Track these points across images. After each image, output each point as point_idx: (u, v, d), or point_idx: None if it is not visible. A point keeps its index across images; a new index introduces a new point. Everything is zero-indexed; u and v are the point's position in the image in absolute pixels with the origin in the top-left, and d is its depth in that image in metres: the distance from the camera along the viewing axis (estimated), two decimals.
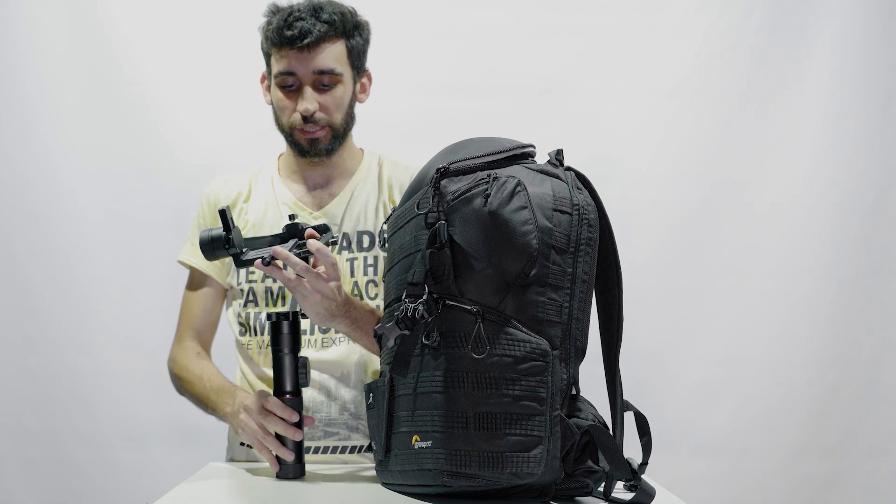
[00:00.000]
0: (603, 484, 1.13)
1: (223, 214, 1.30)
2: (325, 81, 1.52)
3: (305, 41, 1.48)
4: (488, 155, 1.11)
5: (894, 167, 2.49)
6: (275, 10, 1.55)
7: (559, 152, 1.14)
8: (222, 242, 1.30)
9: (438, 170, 1.10)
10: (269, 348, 1.53)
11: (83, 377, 2.38)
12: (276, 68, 1.53)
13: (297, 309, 1.34)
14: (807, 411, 2.45)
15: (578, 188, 1.10)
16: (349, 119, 1.59)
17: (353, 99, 1.59)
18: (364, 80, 1.62)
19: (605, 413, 1.13)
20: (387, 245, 1.25)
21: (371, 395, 1.23)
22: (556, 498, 1.10)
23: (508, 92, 2.46)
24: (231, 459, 1.63)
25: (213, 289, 1.63)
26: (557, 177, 1.10)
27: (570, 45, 2.48)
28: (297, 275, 1.27)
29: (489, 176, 1.08)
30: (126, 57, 2.40)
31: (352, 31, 1.55)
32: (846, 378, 2.46)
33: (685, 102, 2.48)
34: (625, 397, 1.14)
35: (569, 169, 1.12)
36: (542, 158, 1.16)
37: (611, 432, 1.12)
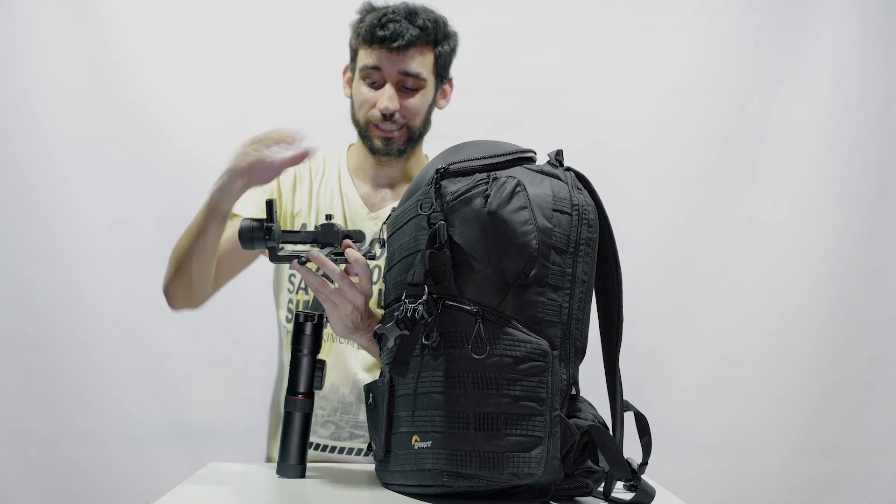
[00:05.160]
0: (603, 484, 1.13)
1: (269, 205, 1.30)
2: (408, 84, 1.53)
3: (396, 43, 1.49)
4: (488, 157, 1.11)
5: (894, 167, 2.49)
6: (369, 9, 1.55)
7: (559, 153, 1.14)
8: (263, 233, 1.29)
9: (438, 170, 1.10)
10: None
11: (83, 377, 2.37)
12: (362, 62, 1.54)
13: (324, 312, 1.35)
14: (807, 411, 2.45)
15: (578, 188, 1.10)
16: (426, 124, 1.59)
17: (433, 105, 1.60)
18: (446, 86, 1.63)
19: (605, 413, 1.13)
20: (386, 245, 1.25)
21: (371, 395, 1.23)
22: (556, 498, 1.10)
23: (508, 92, 2.45)
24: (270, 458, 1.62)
25: None
26: (557, 177, 1.10)
27: (570, 45, 2.48)
28: (330, 281, 1.27)
29: (489, 176, 1.08)
30: (127, 56, 2.40)
31: (442, 39, 1.56)
32: (846, 378, 2.46)
33: (685, 102, 2.48)
34: (625, 397, 1.14)
35: (568, 169, 1.12)
36: (541, 159, 1.16)
37: (611, 432, 1.12)
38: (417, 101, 1.55)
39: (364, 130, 1.56)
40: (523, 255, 1.05)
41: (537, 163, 1.14)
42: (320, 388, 1.34)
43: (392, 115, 1.52)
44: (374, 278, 1.54)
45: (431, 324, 1.07)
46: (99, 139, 2.40)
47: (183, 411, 2.37)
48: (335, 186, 1.61)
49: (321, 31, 2.21)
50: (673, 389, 2.44)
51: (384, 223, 1.27)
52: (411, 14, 1.51)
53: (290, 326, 1.55)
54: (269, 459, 1.62)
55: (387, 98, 1.51)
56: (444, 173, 1.10)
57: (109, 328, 2.39)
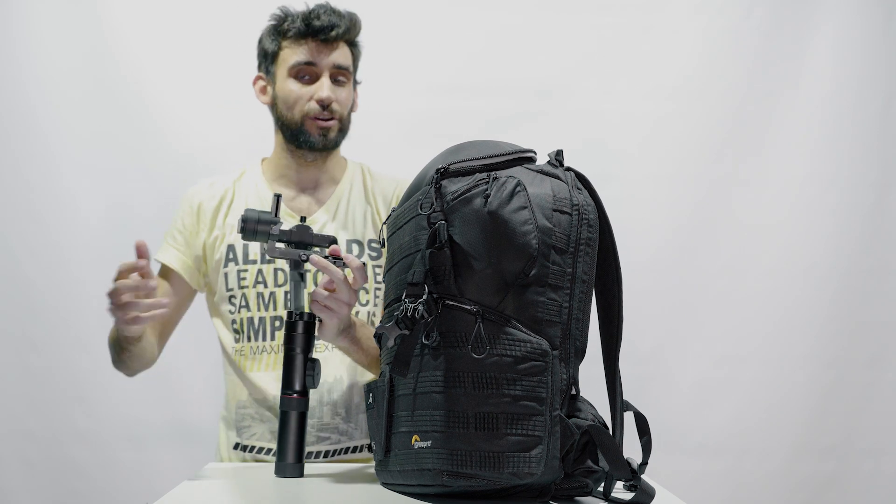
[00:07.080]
0: (603, 484, 1.13)
1: (277, 199, 1.35)
2: (339, 77, 1.57)
3: (332, 33, 1.54)
4: (488, 157, 1.11)
5: (894, 167, 2.49)
6: (287, 12, 1.59)
7: (559, 153, 1.14)
8: (268, 225, 1.33)
9: (438, 170, 1.10)
10: (262, 354, 1.54)
11: (83, 377, 2.37)
12: (292, 59, 1.56)
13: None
14: (807, 411, 2.45)
15: (578, 188, 1.10)
16: (349, 122, 1.62)
17: (353, 105, 1.63)
18: (356, 91, 1.66)
19: (605, 413, 1.13)
20: (386, 245, 1.26)
21: (371, 395, 1.23)
22: (556, 498, 1.10)
23: (508, 92, 2.46)
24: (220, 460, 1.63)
25: (182, 289, 1.63)
26: (557, 177, 1.10)
27: (570, 46, 2.48)
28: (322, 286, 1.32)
29: (489, 176, 1.08)
30: (127, 57, 2.40)
31: (356, 37, 1.61)
32: (846, 378, 2.46)
33: (685, 102, 2.48)
34: (625, 397, 1.14)
35: (569, 169, 1.12)
36: (541, 159, 1.16)
37: (610, 432, 1.12)
38: (347, 94, 1.59)
39: (299, 127, 1.57)
40: (523, 255, 1.05)
41: (537, 163, 1.15)
42: (314, 386, 1.34)
43: (330, 104, 1.55)
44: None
45: (431, 323, 1.07)
46: (99, 139, 2.40)
47: (183, 411, 2.37)
48: (253, 199, 1.61)
49: None
50: (673, 389, 2.44)
51: (384, 223, 1.27)
52: (334, 10, 1.57)
53: (237, 346, 1.57)
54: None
55: (326, 89, 1.54)
56: (444, 173, 1.10)
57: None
